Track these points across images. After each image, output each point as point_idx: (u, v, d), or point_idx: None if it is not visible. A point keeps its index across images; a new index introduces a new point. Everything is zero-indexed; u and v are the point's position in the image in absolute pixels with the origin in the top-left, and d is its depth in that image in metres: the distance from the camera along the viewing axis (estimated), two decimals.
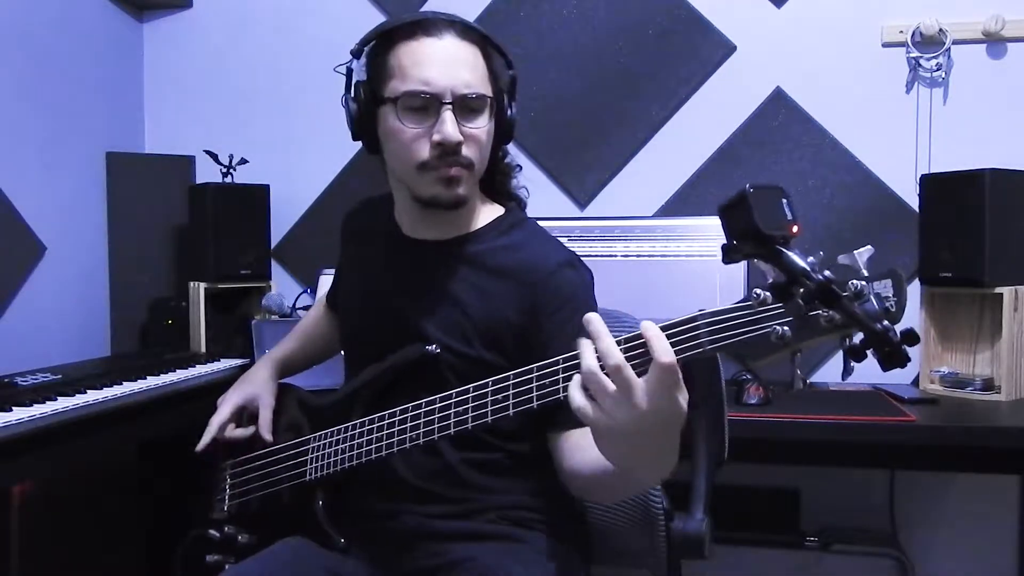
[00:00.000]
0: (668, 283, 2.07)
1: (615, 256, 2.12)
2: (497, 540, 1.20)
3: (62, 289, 2.24)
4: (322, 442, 1.27)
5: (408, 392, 1.16)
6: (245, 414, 1.43)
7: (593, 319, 0.89)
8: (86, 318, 2.34)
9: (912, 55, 2.18)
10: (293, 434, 1.34)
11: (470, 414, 1.05)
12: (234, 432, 1.41)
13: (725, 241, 0.86)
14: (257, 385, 1.44)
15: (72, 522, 2.14)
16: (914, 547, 2.21)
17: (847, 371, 0.84)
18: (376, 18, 2.44)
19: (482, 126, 1.19)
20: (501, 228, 1.28)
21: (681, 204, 2.32)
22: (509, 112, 1.25)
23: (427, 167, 1.18)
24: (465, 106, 1.17)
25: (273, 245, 2.50)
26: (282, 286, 2.48)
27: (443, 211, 1.22)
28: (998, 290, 1.90)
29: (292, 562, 1.21)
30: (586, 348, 0.89)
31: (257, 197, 2.40)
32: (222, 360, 2.15)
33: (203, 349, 2.28)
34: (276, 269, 2.53)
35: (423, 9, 2.31)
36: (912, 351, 0.79)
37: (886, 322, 0.78)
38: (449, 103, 1.15)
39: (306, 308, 2.34)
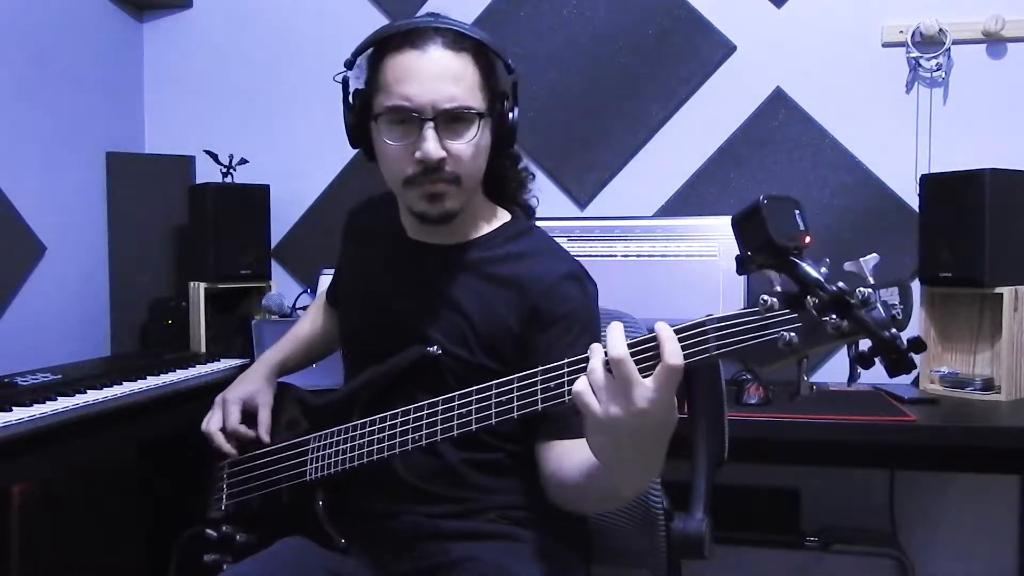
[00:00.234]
0: (668, 283, 2.07)
1: (615, 256, 2.12)
2: (497, 540, 1.20)
3: (62, 289, 2.24)
4: (322, 442, 1.27)
5: (407, 394, 1.16)
6: (244, 414, 1.42)
7: (616, 326, 0.91)
8: (86, 318, 2.34)
9: (912, 55, 2.18)
10: (292, 433, 1.34)
11: (473, 416, 1.06)
12: (238, 428, 1.40)
13: (739, 252, 0.87)
14: (256, 384, 1.44)
15: (72, 522, 2.14)
16: (914, 547, 2.21)
17: (853, 377, 0.85)
18: (376, 18, 2.44)
19: (468, 140, 1.16)
20: (507, 235, 1.28)
21: (681, 204, 2.32)
22: (510, 117, 1.23)
23: (412, 183, 1.18)
24: (449, 121, 1.15)
25: (273, 245, 2.50)
26: (282, 286, 2.48)
27: (435, 225, 1.22)
28: (998, 290, 1.90)
29: (292, 562, 1.21)
30: (596, 350, 0.91)
31: (257, 197, 2.40)
32: (222, 360, 2.16)
33: (203, 349, 2.28)
34: (276, 269, 2.53)
35: (423, 9, 2.32)
36: (917, 366, 0.81)
37: (894, 330, 0.79)
38: (430, 119, 1.14)
39: (306, 308, 2.34)
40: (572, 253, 1.29)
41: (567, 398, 0.96)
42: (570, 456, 1.09)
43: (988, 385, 1.94)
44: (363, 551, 1.24)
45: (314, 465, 1.27)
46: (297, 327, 1.58)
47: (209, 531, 1.37)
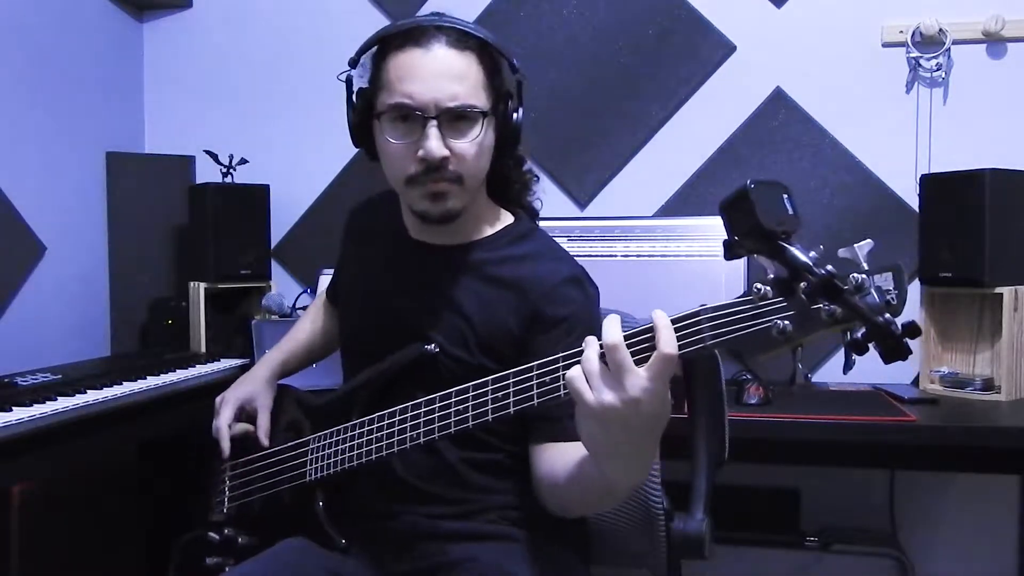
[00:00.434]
0: (668, 283, 2.07)
1: (615, 256, 2.12)
2: (497, 540, 1.20)
3: (62, 289, 2.24)
4: (322, 443, 1.27)
5: (406, 392, 1.16)
6: (243, 415, 1.42)
7: (612, 316, 0.91)
8: (86, 318, 2.34)
9: (912, 55, 2.18)
10: (292, 434, 1.34)
11: (470, 413, 1.05)
12: (236, 429, 1.40)
13: (727, 237, 0.86)
14: (256, 386, 1.44)
15: (72, 522, 2.14)
16: (914, 547, 2.21)
17: (848, 365, 0.83)
18: (376, 17, 2.44)
19: (471, 139, 1.16)
20: (509, 237, 1.28)
21: (681, 204, 2.32)
22: (514, 118, 1.23)
23: (414, 182, 1.17)
24: (453, 119, 1.15)
25: (273, 245, 2.50)
26: (282, 286, 2.48)
27: (437, 224, 1.21)
28: (998, 290, 1.90)
29: (293, 563, 1.21)
30: (591, 341, 0.91)
31: (257, 197, 2.40)
32: (222, 360, 2.15)
33: (203, 349, 2.28)
34: (276, 269, 2.53)
35: (423, 9, 2.32)
36: (912, 351, 0.80)
37: (888, 315, 0.78)
38: (433, 118, 1.13)
39: (306, 308, 2.34)
40: (572, 253, 1.29)
41: (563, 392, 0.95)
42: (563, 458, 1.09)
43: (988, 385, 1.94)
44: (363, 551, 1.24)
45: (313, 466, 1.27)
46: (297, 327, 1.58)
47: (211, 534, 1.37)
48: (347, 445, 1.22)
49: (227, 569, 1.33)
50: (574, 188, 2.40)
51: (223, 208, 2.31)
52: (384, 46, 1.18)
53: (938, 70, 2.17)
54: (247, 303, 2.43)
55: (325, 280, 2.18)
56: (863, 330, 0.79)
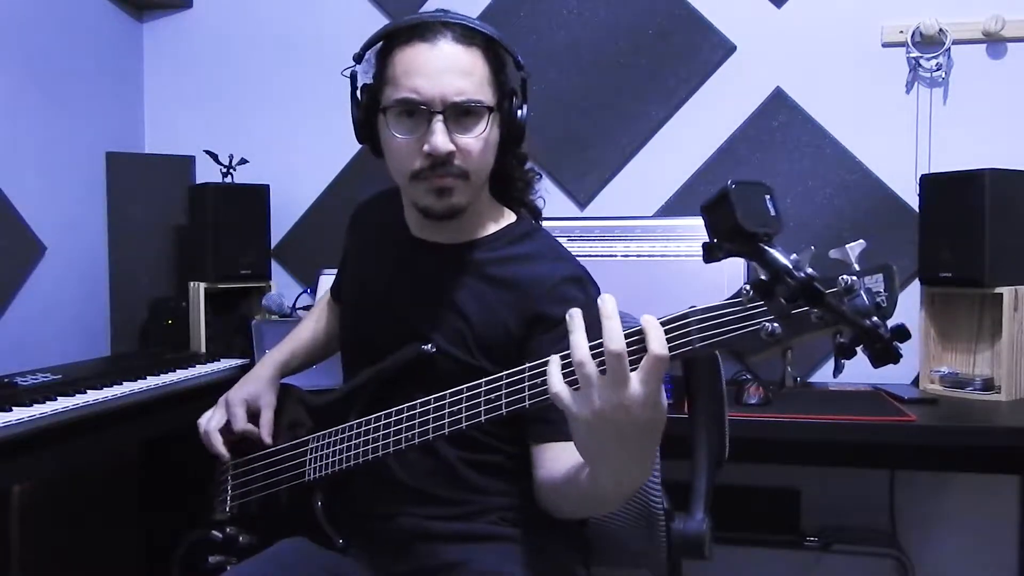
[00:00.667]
0: (668, 283, 2.07)
1: (615, 256, 2.12)
2: (496, 541, 1.20)
3: (62, 289, 2.24)
4: (321, 443, 1.27)
5: (406, 392, 1.16)
6: (247, 414, 1.42)
7: (607, 299, 0.89)
8: (86, 318, 2.34)
9: (912, 55, 2.18)
10: (293, 434, 1.34)
11: (464, 414, 1.05)
12: (247, 428, 1.40)
13: (707, 239, 0.84)
14: (259, 385, 1.43)
15: (72, 522, 2.15)
16: (914, 547, 2.21)
17: (838, 368, 0.81)
18: (376, 18, 2.44)
19: (477, 135, 1.16)
20: (511, 237, 1.27)
21: (681, 204, 2.32)
22: (519, 115, 1.23)
23: (419, 177, 1.17)
24: (459, 114, 1.14)
25: (273, 245, 2.50)
26: (282, 286, 2.48)
27: (440, 220, 1.21)
28: (998, 290, 1.90)
29: (292, 563, 1.21)
30: (577, 333, 0.88)
31: (257, 197, 2.40)
32: (222, 360, 2.15)
33: (203, 349, 2.28)
34: (276, 269, 2.53)
35: (423, 8, 2.32)
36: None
37: (875, 318, 0.76)
38: (439, 112, 1.13)
39: (306, 308, 2.34)
40: (572, 253, 1.29)
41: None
42: (561, 459, 1.08)
43: (988, 385, 1.94)
44: (362, 551, 1.24)
45: (313, 466, 1.27)
46: (300, 327, 1.58)
47: (215, 533, 1.37)
48: (344, 445, 1.22)
49: (228, 568, 1.33)
50: (574, 188, 2.40)
51: (223, 208, 2.31)
52: (390, 42, 1.18)
53: (938, 70, 2.17)
54: (247, 303, 2.43)
55: (325, 280, 2.20)
56: (851, 334, 0.77)
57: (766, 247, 0.79)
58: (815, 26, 2.26)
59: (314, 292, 2.30)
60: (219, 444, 1.38)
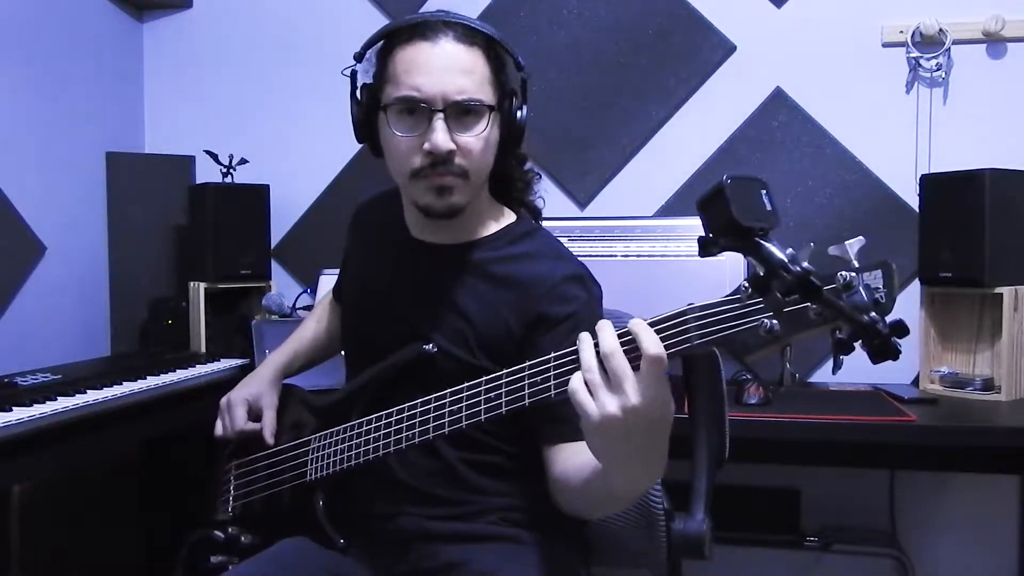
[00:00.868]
0: (668, 283, 2.07)
1: (615, 256, 2.12)
2: (497, 542, 1.20)
3: (62, 289, 2.24)
4: (322, 442, 1.27)
5: (407, 392, 1.16)
6: (249, 415, 1.42)
7: (604, 323, 0.90)
8: (86, 318, 2.34)
9: (912, 55, 2.18)
10: (296, 434, 1.35)
11: (464, 413, 1.05)
12: (244, 427, 1.40)
13: (702, 234, 0.83)
14: (261, 386, 1.44)
15: (72, 522, 2.15)
16: (914, 547, 2.21)
17: (836, 365, 0.81)
18: (376, 17, 2.44)
19: (477, 134, 1.16)
20: (511, 236, 1.27)
21: (681, 204, 2.32)
22: (519, 115, 1.23)
23: (419, 175, 1.17)
24: (460, 113, 1.14)
25: (273, 245, 2.50)
26: (282, 286, 2.48)
27: (440, 219, 1.21)
28: (998, 290, 1.90)
29: (292, 563, 1.21)
30: (585, 342, 0.90)
31: (257, 197, 2.40)
32: (222, 360, 2.15)
33: (203, 349, 2.28)
34: (276, 269, 2.53)
35: (423, 8, 2.32)
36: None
37: (874, 314, 0.76)
38: (440, 111, 1.13)
39: (306, 308, 2.34)
40: (572, 252, 1.29)
41: (552, 392, 0.95)
42: (574, 458, 1.08)
43: (988, 385, 1.94)
44: (363, 551, 1.24)
45: (314, 466, 1.27)
46: (302, 327, 1.58)
47: (217, 533, 1.37)
48: (345, 445, 1.22)
49: (230, 568, 1.34)
50: (574, 188, 2.40)
51: (223, 208, 2.31)
52: (391, 40, 1.18)
53: (938, 70, 2.17)
54: (247, 303, 2.43)
55: (325, 280, 2.20)
56: (849, 330, 0.77)
57: (762, 242, 0.79)
58: (815, 26, 2.26)
59: (314, 292, 2.30)
60: (255, 426, 1.39)
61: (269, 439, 1.37)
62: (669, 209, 2.33)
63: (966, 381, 1.97)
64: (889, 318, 0.77)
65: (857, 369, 0.83)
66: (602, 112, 2.37)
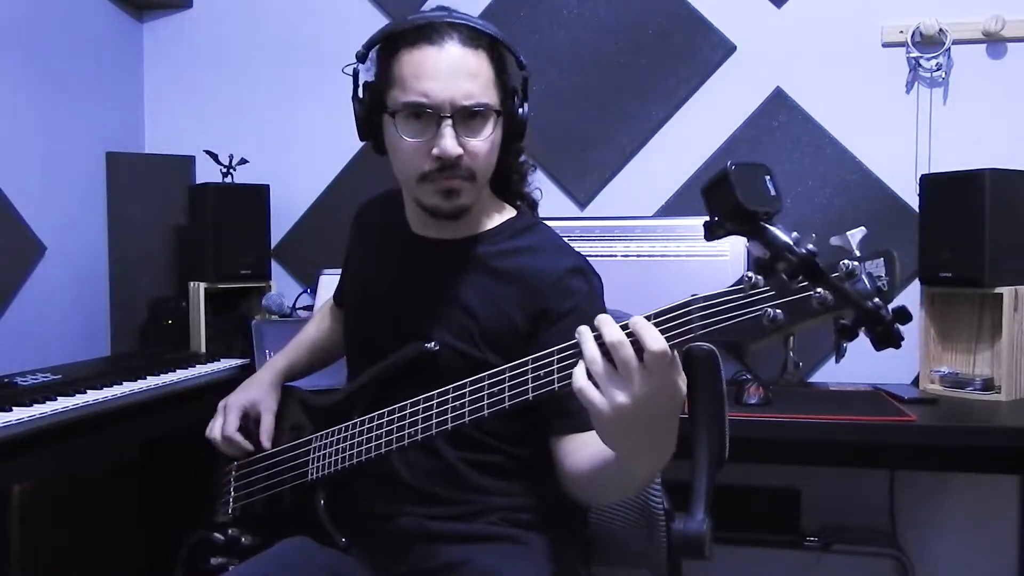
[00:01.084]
0: (668, 283, 2.07)
1: (615, 256, 2.12)
2: (497, 542, 1.20)
3: (62, 289, 2.24)
4: (324, 441, 1.27)
5: (409, 391, 1.16)
6: (248, 420, 1.42)
7: (604, 316, 0.90)
8: (86, 318, 2.34)
9: (912, 55, 2.18)
10: (296, 435, 1.34)
11: (467, 408, 1.05)
12: (233, 436, 1.40)
13: (708, 219, 0.85)
14: (259, 391, 1.44)
15: (72, 522, 2.14)
16: (914, 547, 2.21)
17: (840, 353, 0.82)
18: (376, 18, 2.44)
19: (484, 137, 1.17)
20: (512, 231, 1.27)
21: (681, 204, 2.32)
22: (520, 113, 1.24)
23: (427, 179, 1.17)
24: (466, 117, 1.15)
25: (273, 245, 2.50)
26: (282, 286, 2.48)
27: (446, 219, 1.22)
28: (998, 290, 1.90)
29: (293, 562, 1.21)
30: (586, 334, 0.90)
31: (257, 197, 2.40)
32: (222, 360, 2.15)
33: (203, 349, 2.28)
34: (276, 269, 2.53)
35: (423, 8, 2.32)
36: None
37: (877, 300, 0.77)
38: (448, 116, 1.13)
39: (306, 308, 2.34)
40: (571, 246, 1.29)
41: (556, 386, 0.95)
42: (584, 448, 1.08)
43: (988, 385, 1.94)
44: (364, 551, 1.24)
45: (315, 465, 1.27)
46: (302, 333, 1.58)
47: (216, 535, 1.37)
48: (347, 444, 1.22)
49: (230, 568, 1.33)
50: (574, 188, 2.39)
51: (223, 208, 2.31)
52: (395, 42, 1.18)
53: (938, 70, 2.17)
54: (247, 303, 2.43)
55: (325, 280, 2.19)
56: (853, 316, 0.78)
57: (767, 225, 0.80)
58: (815, 26, 2.26)
59: (314, 292, 2.30)
60: (226, 448, 1.39)
61: (267, 444, 1.37)
62: (669, 209, 2.33)
63: (966, 381, 1.97)
64: (891, 305, 0.78)
65: (857, 369, 0.83)
66: (602, 112, 2.37)
